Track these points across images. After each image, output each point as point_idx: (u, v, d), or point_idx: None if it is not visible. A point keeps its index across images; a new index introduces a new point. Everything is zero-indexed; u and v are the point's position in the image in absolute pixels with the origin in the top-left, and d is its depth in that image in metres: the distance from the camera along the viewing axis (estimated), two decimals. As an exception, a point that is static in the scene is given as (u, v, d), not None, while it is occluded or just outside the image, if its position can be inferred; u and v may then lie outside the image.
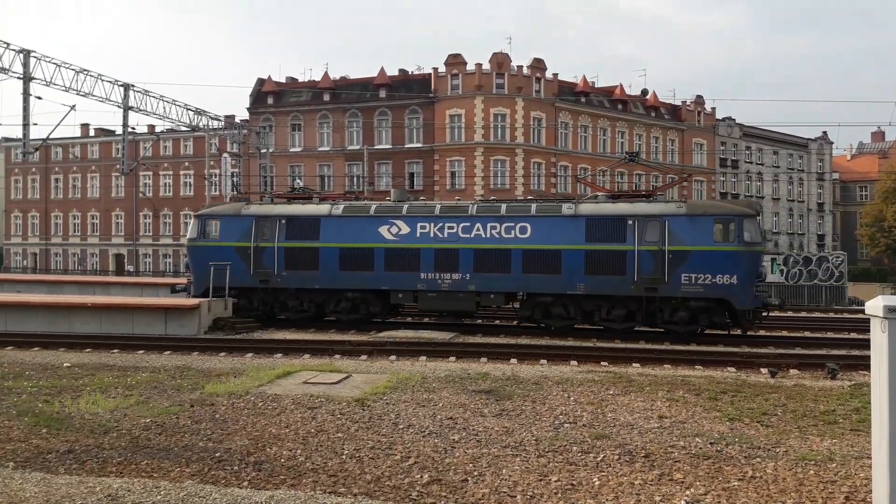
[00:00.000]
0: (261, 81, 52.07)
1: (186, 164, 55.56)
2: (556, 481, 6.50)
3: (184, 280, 25.60)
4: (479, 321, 21.98)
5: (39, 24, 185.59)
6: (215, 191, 38.12)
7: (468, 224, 19.40)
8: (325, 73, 50.90)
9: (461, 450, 7.50)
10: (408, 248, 19.64)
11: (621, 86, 52.89)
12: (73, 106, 24.82)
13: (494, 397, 10.15)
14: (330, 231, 20.33)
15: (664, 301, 17.95)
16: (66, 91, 24.68)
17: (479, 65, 46.08)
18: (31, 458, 7.19)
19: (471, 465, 6.99)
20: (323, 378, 11.46)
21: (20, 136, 23.87)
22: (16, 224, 62.37)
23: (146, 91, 28.55)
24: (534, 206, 19.86)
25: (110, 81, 26.63)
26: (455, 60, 46.74)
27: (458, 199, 24.77)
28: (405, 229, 19.77)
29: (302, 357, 14.67)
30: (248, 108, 51.41)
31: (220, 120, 35.34)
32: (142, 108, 28.50)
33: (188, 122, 31.96)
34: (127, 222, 58.33)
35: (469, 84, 46.27)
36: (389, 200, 21.63)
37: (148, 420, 8.75)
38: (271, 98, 51.32)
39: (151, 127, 55.75)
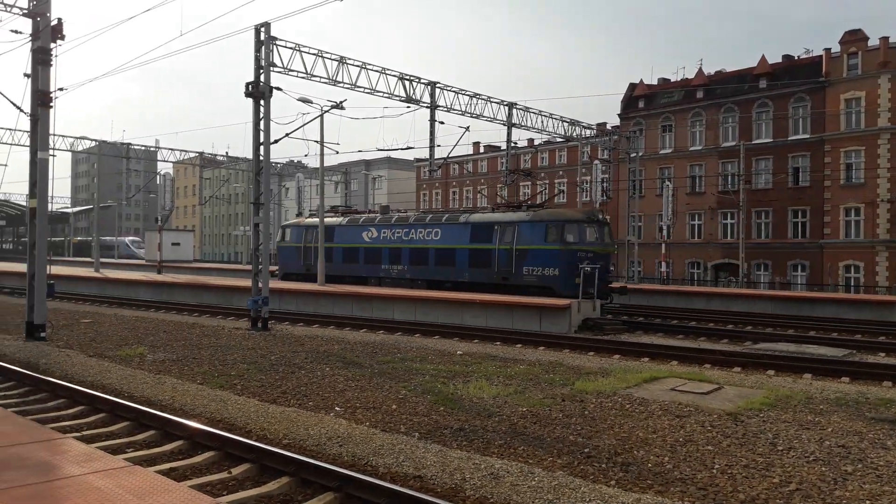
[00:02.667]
0: (632, 86, 52.29)
1: (560, 172, 58.75)
2: None
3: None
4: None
5: (443, 60, 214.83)
6: (586, 197, 39.42)
7: (407, 230, 26.40)
8: (699, 70, 48.84)
9: (855, 483, 6.57)
10: (375, 247, 27.58)
11: None
12: (468, 127, 28.28)
13: (902, 429, 8.62)
14: (339, 235, 29.02)
15: (514, 288, 22.79)
16: (462, 114, 28.19)
17: (884, 39, 39.28)
18: (431, 431, 8.45)
19: (868, 501, 6.08)
20: (691, 387, 11.09)
21: (427, 156, 28.13)
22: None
23: (527, 108, 30.99)
24: (445, 215, 25.99)
25: (497, 102, 29.57)
26: (853, 37, 40.61)
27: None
28: (375, 234, 27.64)
29: (669, 363, 14.37)
30: (618, 115, 52.17)
31: (591, 129, 36.45)
32: (523, 123, 30.97)
33: (563, 133, 33.67)
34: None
35: (871, 62, 39.75)
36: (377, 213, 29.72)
37: (524, 409, 9.55)
38: (642, 102, 51.17)
39: (531, 140, 60.30)
